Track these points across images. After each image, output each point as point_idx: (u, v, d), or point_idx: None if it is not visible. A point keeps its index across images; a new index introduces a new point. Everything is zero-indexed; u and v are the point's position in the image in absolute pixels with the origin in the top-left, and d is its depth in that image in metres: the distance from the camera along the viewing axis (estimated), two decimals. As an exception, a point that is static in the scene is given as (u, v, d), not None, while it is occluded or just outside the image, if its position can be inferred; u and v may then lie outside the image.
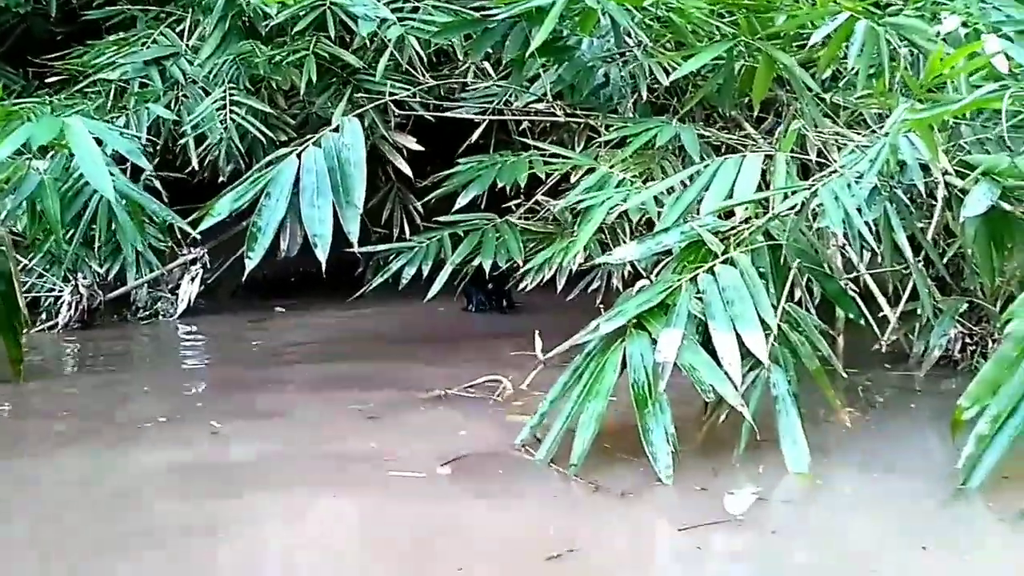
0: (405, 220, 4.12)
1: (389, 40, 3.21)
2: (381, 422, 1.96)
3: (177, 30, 3.60)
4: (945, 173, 1.83)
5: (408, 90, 3.12)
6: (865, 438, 1.81)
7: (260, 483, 1.62)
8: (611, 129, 2.53)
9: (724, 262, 1.61)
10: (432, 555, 1.33)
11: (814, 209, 1.69)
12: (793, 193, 1.69)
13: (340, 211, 2.12)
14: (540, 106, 2.80)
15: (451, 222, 2.75)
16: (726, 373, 1.47)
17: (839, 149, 2.16)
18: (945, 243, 2.08)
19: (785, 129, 2.09)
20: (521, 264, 2.51)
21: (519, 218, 2.71)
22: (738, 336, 1.49)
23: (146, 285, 3.64)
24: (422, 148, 3.27)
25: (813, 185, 1.67)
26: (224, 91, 3.27)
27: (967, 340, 2.20)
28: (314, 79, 3.10)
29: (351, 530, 1.48)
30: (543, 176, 2.72)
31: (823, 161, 2.10)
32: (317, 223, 2.08)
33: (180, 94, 3.45)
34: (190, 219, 2.32)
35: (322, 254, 2.06)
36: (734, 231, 1.68)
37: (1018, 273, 1.94)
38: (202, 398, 2.28)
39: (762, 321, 1.52)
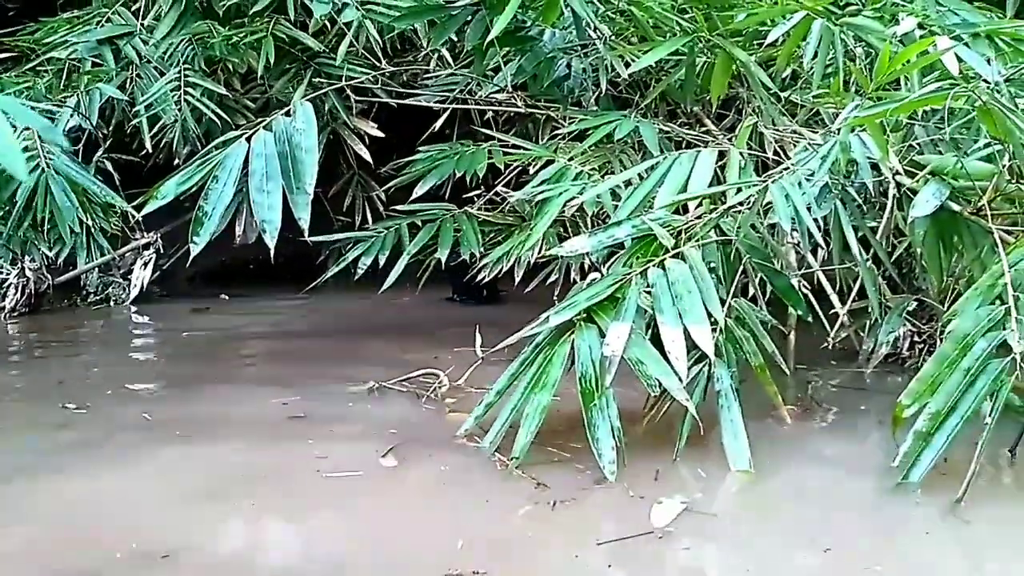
0: (367, 208, 4.09)
1: (348, 24, 3.20)
2: (309, 419, 1.89)
3: (132, 9, 3.50)
4: (895, 173, 1.85)
5: (369, 75, 3.09)
6: (809, 435, 1.82)
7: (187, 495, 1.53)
8: (571, 122, 2.52)
9: (674, 256, 1.61)
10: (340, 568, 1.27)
11: (766, 205, 1.70)
12: (743, 189, 1.68)
13: (290, 197, 2.06)
14: (502, 96, 2.77)
15: (409, 211, 2.71)
16: (672, 367, 1.46)
17: (795, 146, 2.18)
18: (896, 241, 2.10)
19: (741, 125, 2.10)
20: (478, 256, 2.49)
21: (479, 209, 2.69)
22: (685, 331, 1.49)
23: (97, 270, 3.57)
24: (383, 135, 3.24)
25: (764, 181, 1.68)
26: (179, 72, 3.20)
27: (915, 338, 2.23)
28: (272, 62, 3.04)
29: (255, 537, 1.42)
30: (503, 167, 2.70)
31: (779, 159, 2.11)
32: (266, 209, 2.03)
33: (134, 74, 3.37)
34: (135, 203, 2.25)
35: (270, 240, 2.00)
36: (686, 226, 1.68)
37: (966, 273, 1.96)
38: (135, 395, 2.18)
39: (709, 316, 1.52)
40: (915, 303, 2.13)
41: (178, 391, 2.19)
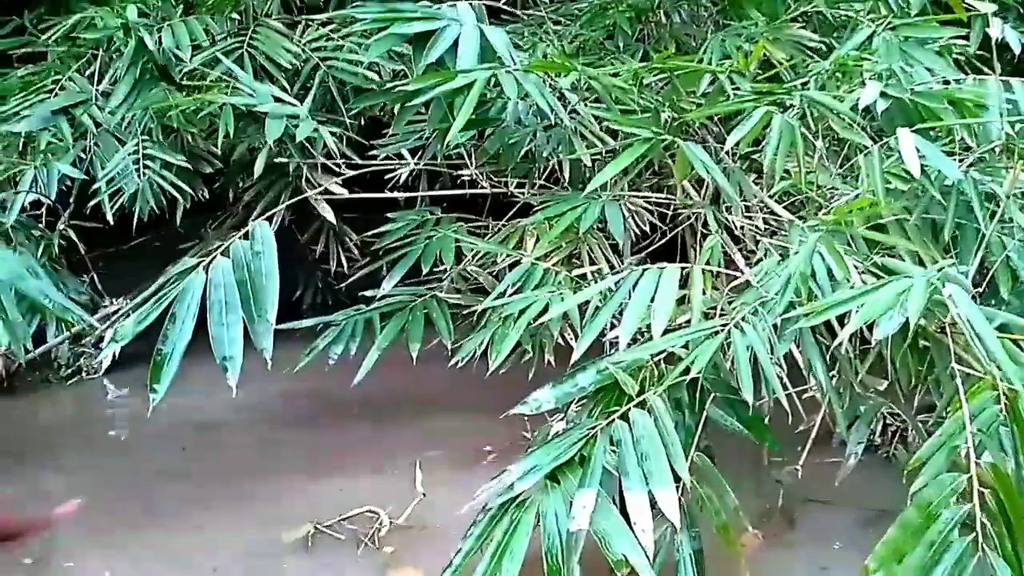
0: (342, 254, 4.04)
1: (311, 83, 3.13)
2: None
3: (87, 73, 3.41)
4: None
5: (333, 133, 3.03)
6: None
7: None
8: (535, 210, 2.47)
9: (639, 404, 1.58)
10: None
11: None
12: (708, 333, 1.65)
13: (251, 327, 2.00)
14: (466, 175, 2.72)
15: (377, 297, 2.65)
16: (638, 539, 1.44)
17: (760, 242, 2.15)
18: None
19: (700, 244, 2.06)
20: (449, 348, 2.44)
21: (449, 289, 2.64)
22: (651, 497, 1.47)
23: (68, 341, 3.50)
24: (348, 193, 3.18)
25: (723, 322, 1.64)
26: (137, 143, 3.12)
27: (887, 423, 2.23)
28: (231, 131, 2.97)
29: None
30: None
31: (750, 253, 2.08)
32: (226, 344, 1.97)
33: (92, 143, 3.28)
34: (98, 332, 2.17)
35: (233, 378, 1.94)
36: (650, 365, 1.65)
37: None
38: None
39: (676, 476, 1.50)
40: (884, 405, 2.11)
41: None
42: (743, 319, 1.65)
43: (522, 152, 2.57)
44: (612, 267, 2.47)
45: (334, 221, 3.32)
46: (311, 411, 3.22)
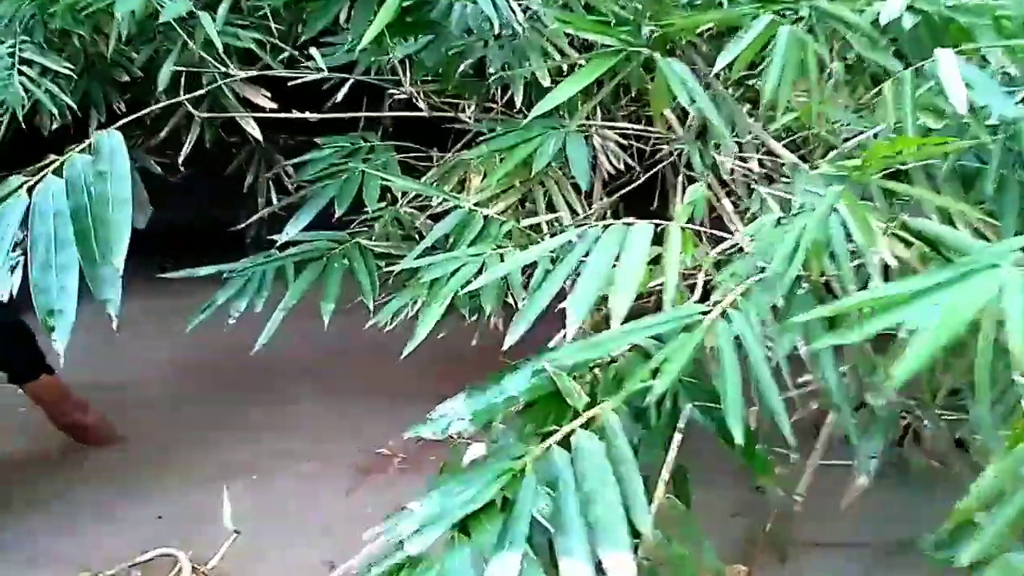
0: (272, 185, 3.50)
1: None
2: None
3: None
4: (885, 266, 1.34)
5: (254, 39, 2.47)
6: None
7: None
8: (481, 140, 1.94)
9: (587, 423, 1.12)
10: None
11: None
12: (685, 321, 1.16)
13: (88, 270, 1.48)
14: (400, 93, 2.17)
15: (289, 243, 2.13)
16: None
17: (752, 194, 1.66)
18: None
19: (683, 199, 1.55)
20: (371, 308, 1.94)
21: (374, 236, 2.12)
22: (599, 566, 1.01)
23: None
24: (276, 105, 2.64)
25: (705, 307, 1.16)
26: (14, 44, 2.53)
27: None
28: (123, 33, 2.39)
29: None
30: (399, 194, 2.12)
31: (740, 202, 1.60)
32: (55, 293, 1.44)
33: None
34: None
35: (61, 342, 1.43)
36: (605, 363, 1.18)
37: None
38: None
39: (633, 530, 1.04)
40: (901, 413, 1.65)
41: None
42: (733, 304, 1.17)
43: (466, 67, 2.04)
44: (575, 214, 1.97)
45: (260, 138, 2.78)
46: (178, 389, 2.69)
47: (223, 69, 2.43)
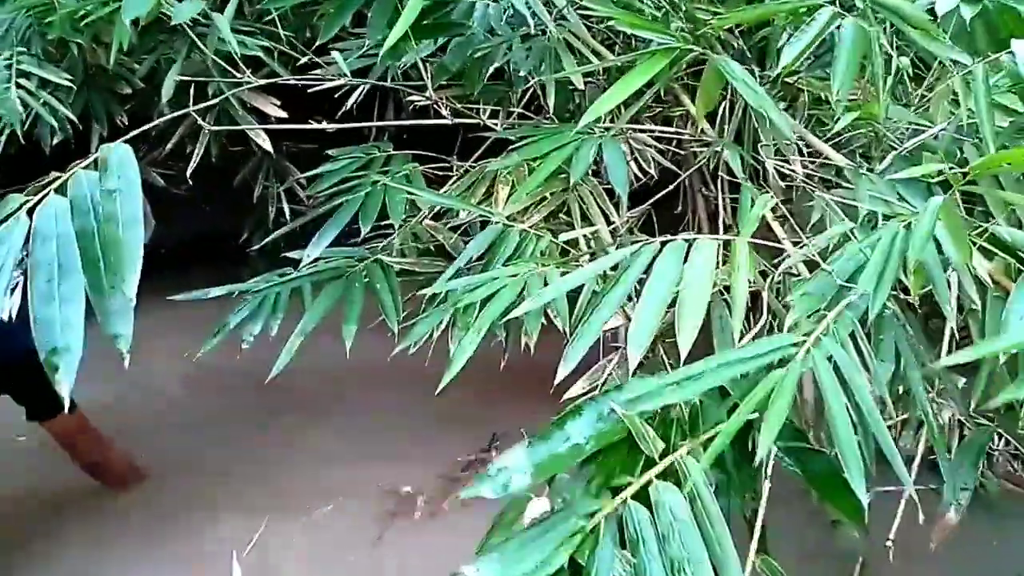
0: (284, 197, 3.37)
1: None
2: None
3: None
4: (978, 281, 1.21)
5: (263, 46, 2.35)
6: None
7: None
8: (510, 149, 1.81)
9: (664, 475, 0.98)
10: None
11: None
12: (774, 354, 1.02)
13: (96, 301, 1.33)
14: (421, 99, 2.03)
15: (301, 264, 1.98)
16: None
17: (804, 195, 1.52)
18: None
19: (743, 206, 1.41)
20: (396, 331, 1.80)
21: (397, 251, 1.98)
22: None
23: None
24: (285, 114, 2.51)
25: (794, 338, 1.02)
26: (11, 55, 2.41)
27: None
28: (129, 41, 2.26)
29: None
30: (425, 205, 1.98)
31: (798, 228, 1.46)
32: (59, 329, 1.29)
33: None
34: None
35: (66, 382, 1.26)
36: (678, 411, 1.04)
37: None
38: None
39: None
40: (990, 437, 1.50)
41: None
42: (825, 331, 1.03)
43: (491, 70, 1.90)
44: (611, 225, 1.83)
45: (271, 150, 2.66)
46: (189, 417, 2.52)
47: (230, 78, 2.29)
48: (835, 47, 1.41)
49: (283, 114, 2.50)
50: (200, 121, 2.39)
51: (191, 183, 2.78)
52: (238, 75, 2.30)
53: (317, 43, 2.00)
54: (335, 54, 1.88)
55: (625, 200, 2.23)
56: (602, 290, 1.21)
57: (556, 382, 1.18)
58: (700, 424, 1.03)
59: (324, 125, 2.07)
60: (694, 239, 1.24)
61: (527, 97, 2.03)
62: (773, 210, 1.86)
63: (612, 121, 2.00)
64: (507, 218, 1.74)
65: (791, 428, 1.10)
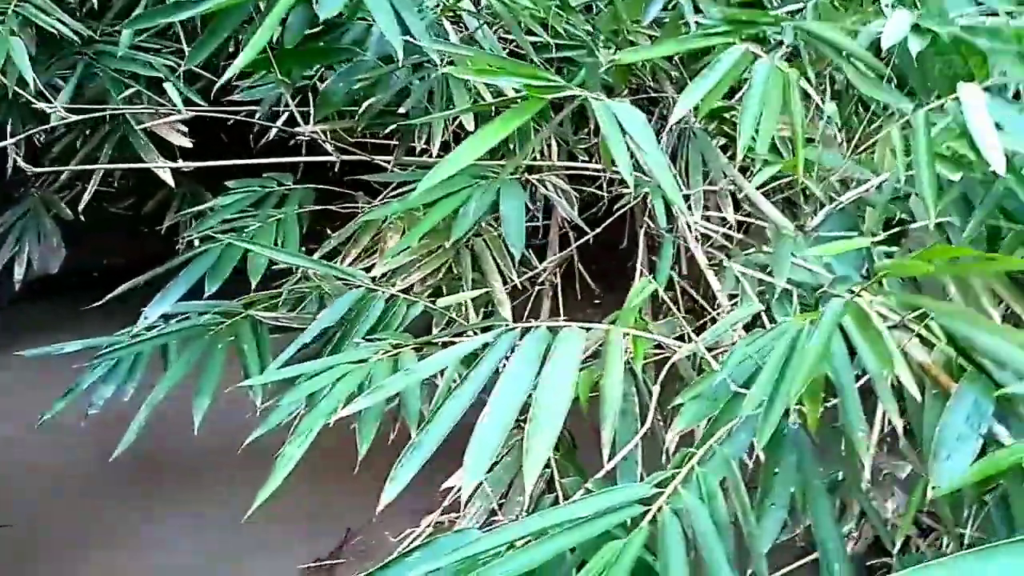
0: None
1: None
2: None
3: None
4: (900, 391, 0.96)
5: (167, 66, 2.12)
6: None
7: None
8: (396, 195, 1.56)
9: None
10: None
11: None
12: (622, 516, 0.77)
13: None
14: (302, 133, 1.78)
15: (135, 327, 1.70)
16: None
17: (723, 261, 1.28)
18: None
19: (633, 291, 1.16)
20: (258, 406, 1.53)
21: (268, 304, 1.70)
22: None
23: None
24: (191, 144, 2.27)
25: (652, 489, 0.77)
26: None
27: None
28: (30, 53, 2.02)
29: None
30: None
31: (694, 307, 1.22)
32: None
33: None
34: None
35: None
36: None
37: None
38: None
39: None
40: None
41: None
42: (685, 480, 0.78)
43: (384, 101, 1.65)
44: (510, 283, 1.58)
45: (172, 184, 2.40)
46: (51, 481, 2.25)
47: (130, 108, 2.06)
48: (744, 94, 1.17)
49: (188, 143, 2.26)
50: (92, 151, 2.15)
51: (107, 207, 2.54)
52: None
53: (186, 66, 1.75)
54: (167, 86, 1.63)
55: (554, 235, 1.99)
56: (444, 391, 0.97)
57: (379, 508, 0.93)
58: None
59: (181, 165, 1.81)
60: (561, 327, 1.00)
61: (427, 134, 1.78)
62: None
63: (537, 157, 1.77)
64: (388, 273, 1.49)
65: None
